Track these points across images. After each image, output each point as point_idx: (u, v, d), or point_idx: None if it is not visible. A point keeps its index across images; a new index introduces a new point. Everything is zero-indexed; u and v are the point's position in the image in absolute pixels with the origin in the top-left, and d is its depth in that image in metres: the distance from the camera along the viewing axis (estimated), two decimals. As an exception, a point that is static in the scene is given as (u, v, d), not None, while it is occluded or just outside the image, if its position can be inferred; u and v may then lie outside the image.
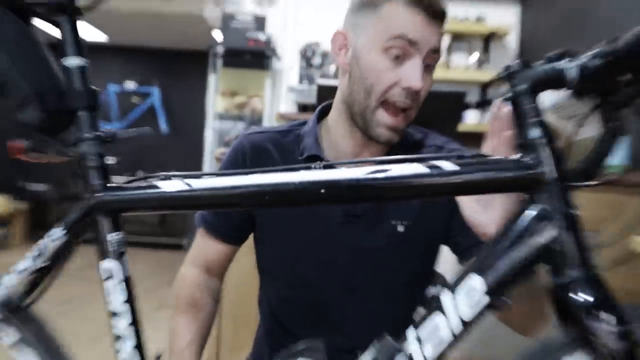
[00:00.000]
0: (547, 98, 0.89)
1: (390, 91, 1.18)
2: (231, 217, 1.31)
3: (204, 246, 1.34)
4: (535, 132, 0.84)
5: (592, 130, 0.92)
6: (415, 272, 1.31)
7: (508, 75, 0.87)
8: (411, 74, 1.16)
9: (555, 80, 0.84)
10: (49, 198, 8.53)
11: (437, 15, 1.17)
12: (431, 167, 0.85)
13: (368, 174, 0.85)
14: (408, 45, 1.16)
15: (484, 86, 4.76)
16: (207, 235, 1.33)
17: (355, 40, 1.23)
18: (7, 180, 8.24)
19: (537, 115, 0.85)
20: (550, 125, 0.87)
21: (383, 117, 1.19)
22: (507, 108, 0.88)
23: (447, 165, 0.85)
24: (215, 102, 5.11)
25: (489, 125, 0.97)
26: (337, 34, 1.27)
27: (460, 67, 4.83)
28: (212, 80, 5.13)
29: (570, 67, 0.83)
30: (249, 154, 1.29)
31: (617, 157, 2.71)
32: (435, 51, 1.20)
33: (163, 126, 8.78)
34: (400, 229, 1.26)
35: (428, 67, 1.20)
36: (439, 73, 4.99)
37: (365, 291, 1.26)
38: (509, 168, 0.85)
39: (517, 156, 0.85)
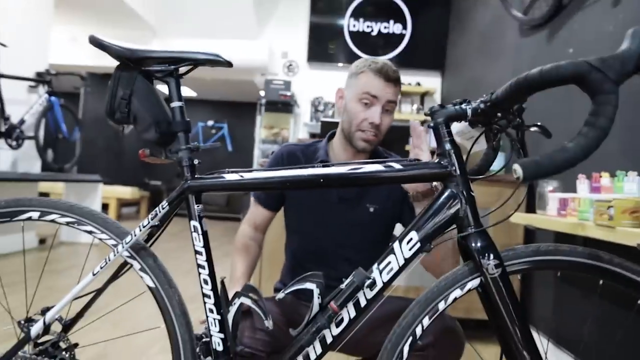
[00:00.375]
0: (455, 127, 0.88)
1: (362, 123, 1.18)
2: (272, 195, 1.30)
3: (254, 212, 1.31)
4: (448, 146, 0.84)
5: (481, 146, 0.92)
6: (379, 235, 1.29)
7: (432, 113, 0.86)
8: (373, 115, 1.17)
9: (459, 116, 0.84)
10: (162, 189, 8.56)
11: (390, 79, 1.18)
12: (387, 166, 0.85)
13: (349, 170, 0.85)
14: (372, 98, 1.17)
15: (421, 123, 4.74)
16: (257, 205, 1.30)
17: (346, 94, 1.23)
18: (137, 178, 8.26)
19: (449, 136, 0.85)
20: (457, 143, 0.87)
21: (360, 135, 1.19)
22: (417, 123, 0.97)
23: (397, 165, 0.85)
24: (260, 132, 5.10)
25: (412, 136, 1.05)
26: (338, 90, 1.28)
27: (407, 112, 4.82)
28: (259, 119, 5.13)
29: (467, 108, 0.83)
30: (285, 157, 1.30)
31: (497, 164, 2.71)
32: (391, 102, 1.19)
33: (229, 147, 8.78)
34: (372, 209, 1.25)
35: (387, 111, 1.20)
36: (395, 116, 4.98)
37: (349, 245, 1.25)
38: (433, 167, 0.85)
39: (437, 160, 0.85)
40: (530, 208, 2.32)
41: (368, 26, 4.94)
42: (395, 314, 0.85)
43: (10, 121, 3.65)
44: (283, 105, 4.89)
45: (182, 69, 0.91)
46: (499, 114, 0.81)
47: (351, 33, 4.91)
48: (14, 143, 3.67)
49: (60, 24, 5.39)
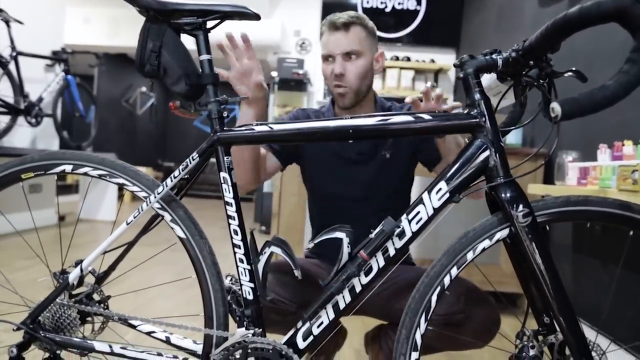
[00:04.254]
0: (482, 81, 0.87)
1: (332, 81, 1.20)
2: (286, 148, 1.27)
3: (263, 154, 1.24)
4: (477, 96, 0.82)
5: (509, 101, 0.91)
6: (400, 179, 1.29)
7: (461, 64, 0.85)
8: (334, 67, 1.18)
9: (489, 66, 0.83)
10: (175, 170, 8.63)
11: (338, 27, 1.18)
12: (416, 117, 0.84)
13: (378, 121, 0.85)
14: (328, 55, 1.20)
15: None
16: (268, 152, 1.25)
17: None
18: (150, 158, 8.33)
19: (479, 86, 0.83)
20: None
21: (335, 91, 1.21)
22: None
23: (426, 116, 0.84)
24: (273, 110, 5.09)
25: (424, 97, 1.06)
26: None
27: (421, 89, 4.76)
28: (272, 98, 5.12)
29: (497, 58, 0.82)
30: (301, 116, 1.29)
31: (514, 138, 2.69)
32: (346, 53, 1.17)
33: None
34: (387, 155, 1.25)
35: (350, 59, 1.18)
36: (408, 93, 4.88)
37: (373, 197, 1.25)
38: (463, 117, 0.83)
39: (466, 110, 0.84)
40: (549, 179, 2.30)
41: (382, 2, 4.87)
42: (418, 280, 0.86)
43: (29, 99, 3.69)
44: (296, 84, 4.86)
45: (210, 23, 0.90)
46: (531, 63, 0.80)
47: (365, 10, 4.85)
48: (33, 120, 3.71)
49: (72, 5, 5.39)
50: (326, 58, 1.21)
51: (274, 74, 4.96)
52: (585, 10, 0.63)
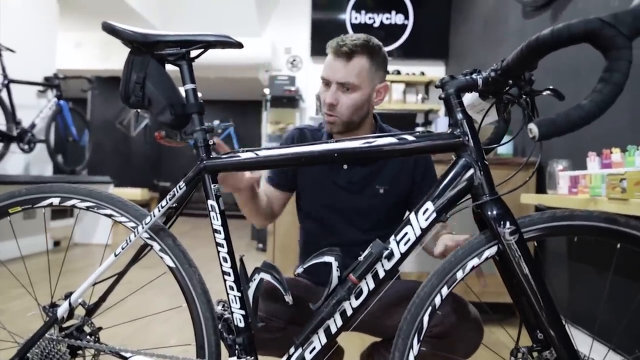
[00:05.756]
0: (465, 100, 0.87)
1: (323, 106, 1.18)
2: (284, 175, 1.28)
3: (266, 190, 1.28)
4: (460, 116, 0.83)
5: (492, 118, 0.92)
6: (389, 214, 1.27)
7: (442, 84, 0.86)
8: (326, 95, 1.16)
9: (470, 86, 0.84)
10: (171, 190, 8.61)
11: (340, 54, 1.13)
12: (399, 139, 0.85)
13: (362, 144, 0.85)
14: (325, 80, 1.17)
15: (427, 113, 4.73)
16: (269, 186, 1.28)
17: None
18: (146, 179, 8.31)
19: (461, 106, 0.84)
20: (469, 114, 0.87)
21: (325, 118, 1.20)
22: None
23: (409, 137, 0.85)
24: (266, 128, 5.11)
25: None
26: None
27: (412, 102, 4.80)
28: (265, 115, 5.15)
29: (478, 77, 0.83)
30: (297, 138, 1.29)
31: (505, 149, 2.71)
32: (340, 83, 1.14)
33: (235, 144, 8.78)
34: (381, 190, 1.24)
35: (347, 90, 1.15)
36: (400, 106, 4.91)
37: (359, 224, 1.25)
38: (445, 137, 0.84)
39: (449, 130, 0.85)
40: (541, 188, 2.31)
41: (370, 18, 4.94)
42: (411, 295, 0.85)
43: (22, 125, 3.69)
44: (288, 101, 4.89)
45: (194, 52, 0.91)
46: (510, 82, 0.81)
47: (353, 25, 4.91)
48: (25, 147, 3.70)
49: (64, 30, 5.43)
50: (324, 81, 1.18)
51: (267, 91, 5.00)
52: (557, 32, 0.65)
